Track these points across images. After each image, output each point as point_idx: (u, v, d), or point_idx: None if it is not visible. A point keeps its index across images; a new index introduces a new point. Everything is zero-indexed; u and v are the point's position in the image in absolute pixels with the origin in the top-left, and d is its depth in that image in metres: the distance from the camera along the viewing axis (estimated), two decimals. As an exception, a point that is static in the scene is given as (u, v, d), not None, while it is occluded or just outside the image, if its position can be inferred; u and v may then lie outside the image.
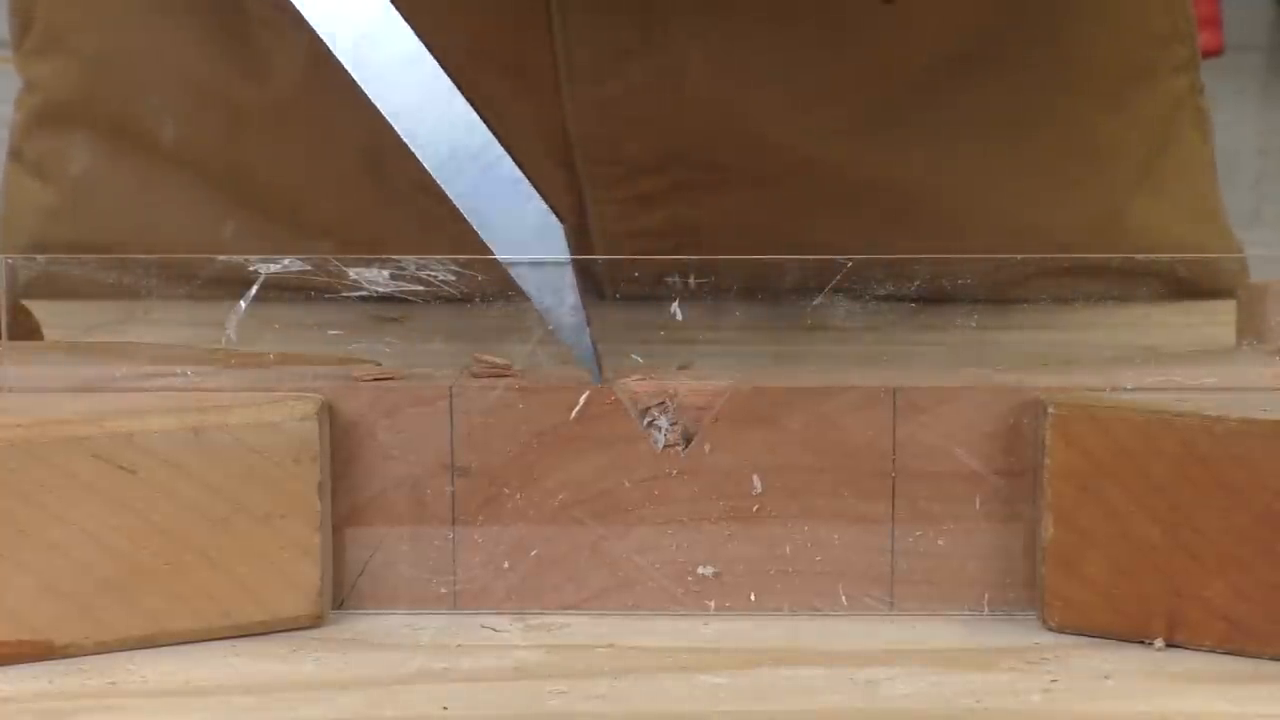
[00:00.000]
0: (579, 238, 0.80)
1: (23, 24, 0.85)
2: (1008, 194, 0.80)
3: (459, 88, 0.49)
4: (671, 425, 0.45)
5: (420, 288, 0.47)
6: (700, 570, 0.46)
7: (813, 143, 0.78)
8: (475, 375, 0.46)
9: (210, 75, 0.81)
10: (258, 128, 0.81)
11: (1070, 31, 0.80)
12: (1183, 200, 0.84)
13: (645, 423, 0.45)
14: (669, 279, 0.47)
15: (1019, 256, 0.49)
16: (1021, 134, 0.79)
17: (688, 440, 0.45)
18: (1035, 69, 0.80)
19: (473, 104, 0.49)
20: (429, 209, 0.81)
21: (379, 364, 0.47)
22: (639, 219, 0.80)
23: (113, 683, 0.41)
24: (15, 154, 0.87)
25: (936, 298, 0.47)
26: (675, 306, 0.47)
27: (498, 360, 0.46)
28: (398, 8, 0.49)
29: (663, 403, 0.45)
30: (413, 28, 0.53)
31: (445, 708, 0.40)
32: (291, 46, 0.80)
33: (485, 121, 0.48)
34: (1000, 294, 0.48)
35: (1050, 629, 0.44)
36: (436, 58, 0.78)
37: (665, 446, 0.45)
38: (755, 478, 0.45)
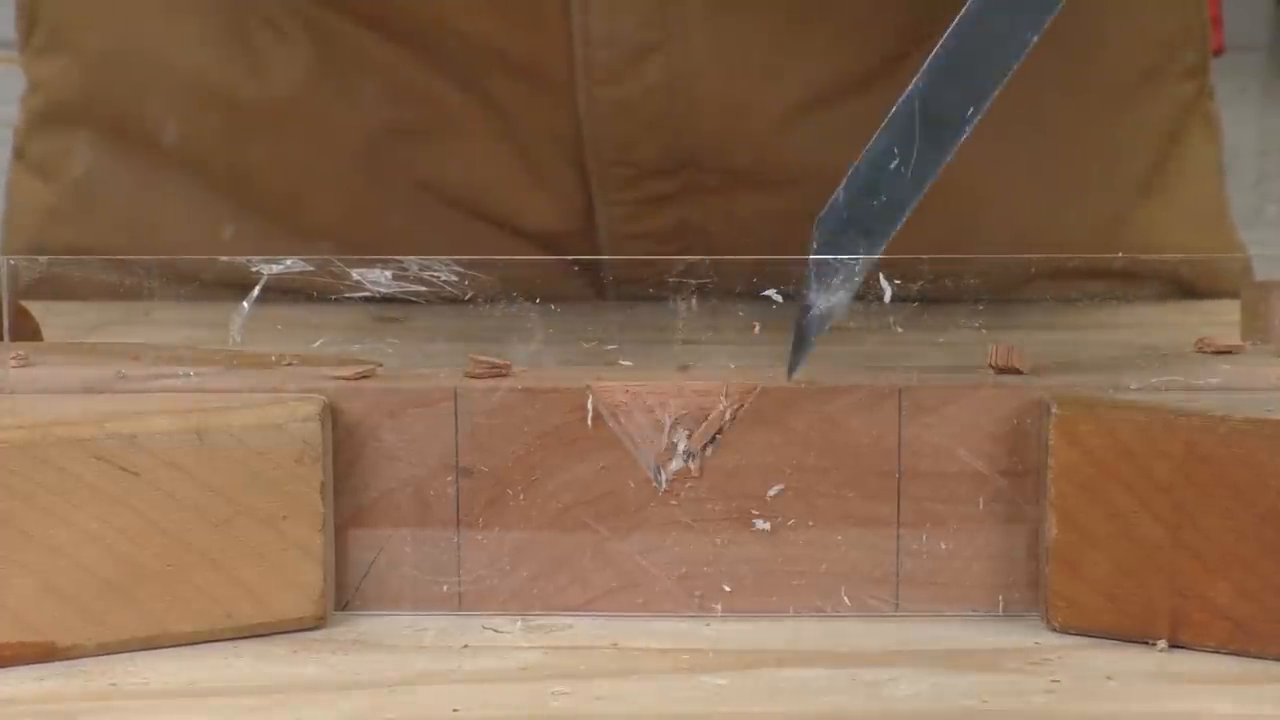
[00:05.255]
0: (586, 239, 0.81)
1: (28, 23, 0.85)
2: (1015, 196, 0.80)
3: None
4: (686, 435, 0.45)
5: (423, 288, 0.47)
6: (704, 571, 0.45)
7: (824, 146, 0.78)
8: (471, 375, 0.46)
9: (212, 75, 0.81)
10: (259, 128, 0.81)
11: (1080, 34, 0.80)
12: (1189, 205, 0.84)
13: (665, 440, 0.45)
14: (671, 279, 0.47)
15: (1021, 257, 0.49)
16: (1030, 136, 0.79)
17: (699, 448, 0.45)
18: (1045, 71, 0.80)
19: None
20: (429, 208, 0.81)
21: (380, 364, 0.47)
22: (647, 221, 0.80)
23: (114, 684, 0.41)
24: (19, 153, 0.87)
25: (940, 298, 0.47)
26: (677, 307, 0.47)
27: (495, 360, 0.46)
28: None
29: (678, 416, 0.45)
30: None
31: (455, 709, 0.40)
32: (293, 46, 0.80)
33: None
34: (1004, 294, 0.48)
35: (1054, 629, 0.44)
36: (454, 57, 0.78)
37: (687, 457, 0.45)
38: (759, 478, 0.45)
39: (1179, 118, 0.84)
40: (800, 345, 0.45)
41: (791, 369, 0.45)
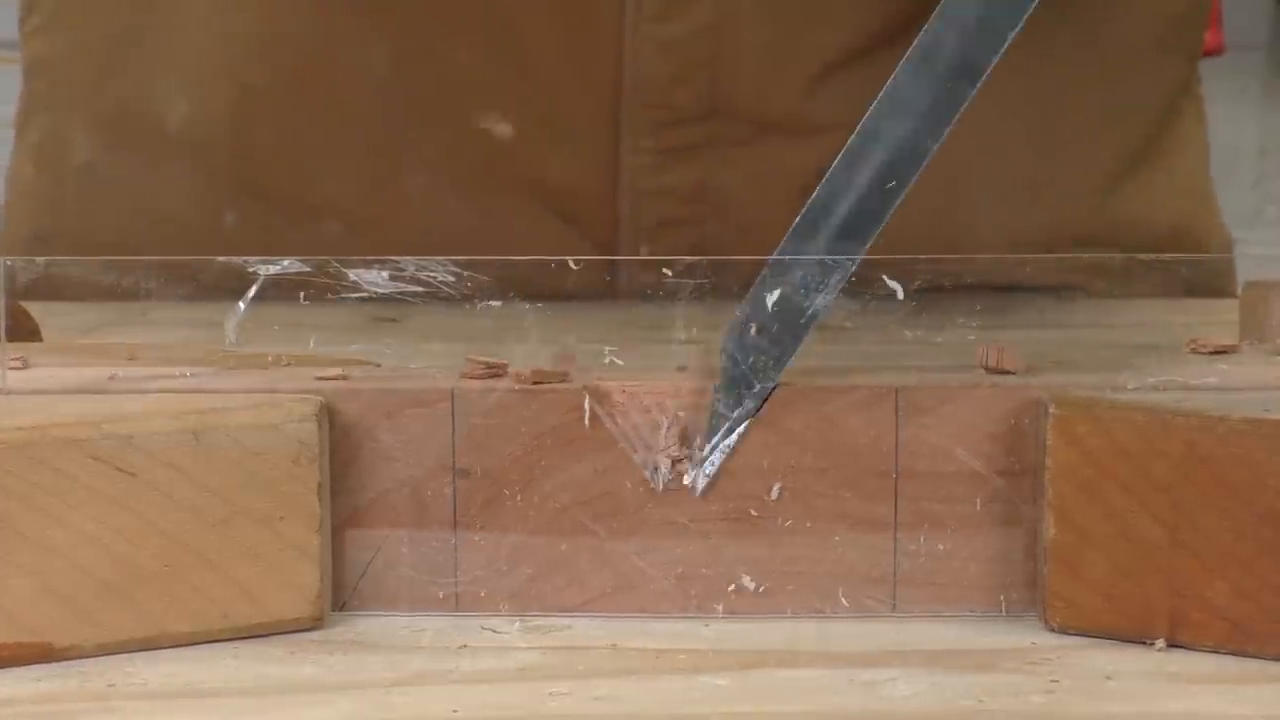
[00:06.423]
0: (607, 198, 0.81)
1: (27, 4, 0.85)
2: (1012, 154, 0.81)
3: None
4: (676, 438, 0.45)
5: (419, 288, 0.47)
6: (702, 572, 0.45)
7: (853, 102, 0.79)
8: (467, 376, 0.46)
9: (216, 52, 0.81)
10: (264, 105, 0.81)
11: (1092, 2, 0.81)
12: (1179, 180, 0.86)
13: (659, 441, 0.45)
14: (671, 279, 0.47)
15: (1021, 257, 0.49)
16: (1032, 96, 0.80)
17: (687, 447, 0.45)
18: (1054, 33, 0.81)
19: None
20: (435, 190, 0.81)
21: (378, 364, 0.47)
22: (670, 174, 0.80)
23: (112, 685, 0.41)
24: (18, 139, 0.86)
25: (939, 291, 0.47)
26: (676, 307, 0.47)
27: (492, 360, 0.46)
28: None
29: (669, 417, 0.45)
30: None
31: (454, 710, 0.40)
32: (301, 17, 0.80)
33: None
34: (1000, 278, 0.48)
35: (1052, 629, 0.44)
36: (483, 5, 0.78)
37: (675, 460, 0.45)
38: (757, 479, 0.45)
39: (1175, 94, 0.86)
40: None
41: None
